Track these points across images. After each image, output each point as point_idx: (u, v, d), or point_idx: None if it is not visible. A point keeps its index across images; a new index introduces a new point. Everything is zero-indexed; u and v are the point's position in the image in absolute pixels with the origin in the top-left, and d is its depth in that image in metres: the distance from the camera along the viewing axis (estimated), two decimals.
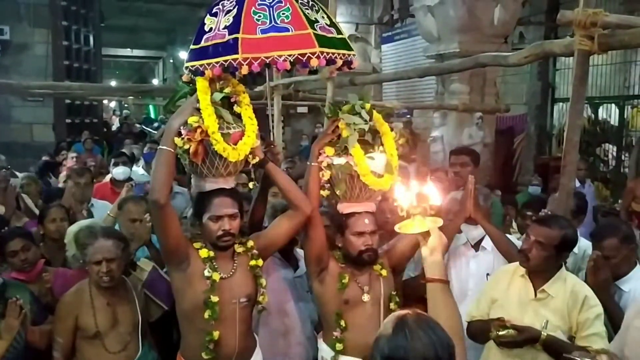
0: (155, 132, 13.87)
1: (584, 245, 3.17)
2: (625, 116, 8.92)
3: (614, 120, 9.16)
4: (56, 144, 9.00)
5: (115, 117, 20.58)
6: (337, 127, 2.57)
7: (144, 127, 15.29)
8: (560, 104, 9.91)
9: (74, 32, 10.93)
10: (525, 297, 2.47)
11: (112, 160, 5.66)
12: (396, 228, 2.02)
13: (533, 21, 9.72)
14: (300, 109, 11.15)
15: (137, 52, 23.77)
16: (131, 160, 6.77)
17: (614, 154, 9.19)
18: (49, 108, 10.24)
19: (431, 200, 1.96)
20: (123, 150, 7.75)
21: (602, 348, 2.23)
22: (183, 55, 20.49)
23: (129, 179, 5.08)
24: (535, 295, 2.45)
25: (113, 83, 20.79)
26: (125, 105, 21.75)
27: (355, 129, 2.52)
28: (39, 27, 10.05)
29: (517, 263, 2.54)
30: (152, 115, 22.49)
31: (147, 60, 26.25)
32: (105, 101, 16.49)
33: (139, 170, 5.73)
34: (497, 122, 8.28)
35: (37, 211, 4.26)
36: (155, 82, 25.33)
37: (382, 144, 2.64)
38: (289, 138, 11.13)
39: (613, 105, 9.11)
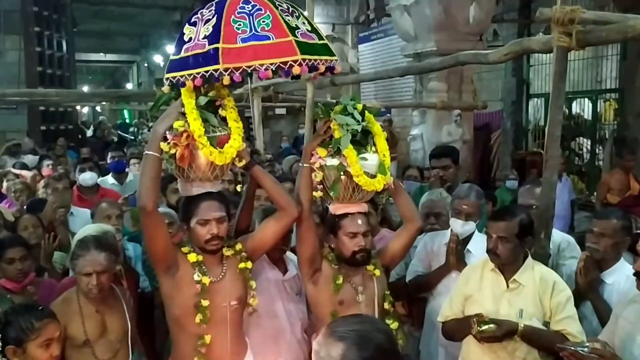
0: (132, 137, 13.67)
1: (557, 239, 3.15)
2: (598, 110, 9.11)
3: (587, 114, 9.34)
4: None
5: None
6: (330, 128, 2.54)
7: (120, 132, 15.05)
8: (535, 99, 10.07)
9: (47, 38, 10.76)
10: (498, 289, 2.53)
11: (78, 167, 5.37)
12: None
13: (506, 18, 9.87)
14: (278, 111, 11.15)
15: (110, 57, 23.46)
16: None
17: (588, 147, 9.37)
18: (23, 115, 10.10)
19: None
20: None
21: (594, 337, 2.28)
22: (157, 59, 20.34)
23: (96, 184, 5.00)
24: (507, 286, 2.51)
25: (86, 88, 20.42)
26: (100, 110, 21.37)
27: (348, 130, 2.50)
28: (10, 34, 9.91)
29: (485, 259, 2.61)
30: (127, 120, 22.16)
31: (121, 64, 25.94)
32: (78, 107, 16.20)
33: (108, 179, 5.64)
34: (473, 119, 8.39)
35: None
36: (129, 86, 24.99)
37: (374, 144, 2.63)
38: (268, 140, 11.13)
39: (586, 99, 9.29)
